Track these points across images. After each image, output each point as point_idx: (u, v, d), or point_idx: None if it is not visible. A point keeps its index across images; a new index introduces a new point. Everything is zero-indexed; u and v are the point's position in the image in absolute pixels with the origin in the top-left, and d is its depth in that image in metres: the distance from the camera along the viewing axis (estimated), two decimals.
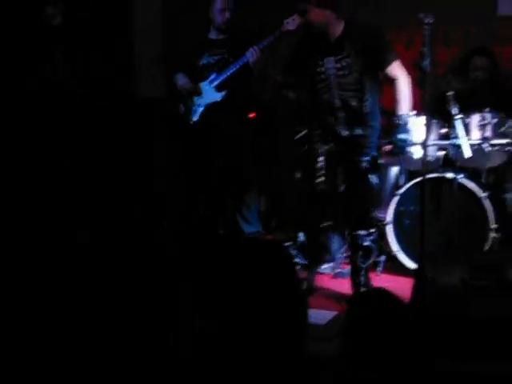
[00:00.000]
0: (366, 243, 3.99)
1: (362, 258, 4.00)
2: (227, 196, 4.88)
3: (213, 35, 4.90)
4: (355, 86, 3.77)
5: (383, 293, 2.28)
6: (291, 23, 4.46)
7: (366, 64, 3.76)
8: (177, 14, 5.79)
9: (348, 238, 4.12)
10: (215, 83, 4.82)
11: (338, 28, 3.82)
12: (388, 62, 3.84)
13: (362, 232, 3.96)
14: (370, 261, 4.08)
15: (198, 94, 4.85)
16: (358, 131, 3.84)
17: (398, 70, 3.87)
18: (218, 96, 4.83)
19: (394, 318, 2.15)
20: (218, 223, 4.95)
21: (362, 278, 4.03)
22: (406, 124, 3.92)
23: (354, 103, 3.80)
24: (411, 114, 4.11)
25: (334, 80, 3.78)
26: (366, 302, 2.25)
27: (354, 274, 4.05)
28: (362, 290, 4.00)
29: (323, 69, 3.81)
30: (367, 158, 3.87)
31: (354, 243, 4.01)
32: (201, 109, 4.86)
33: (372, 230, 4.05)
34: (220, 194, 4.85)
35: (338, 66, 3.76)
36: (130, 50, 5.26)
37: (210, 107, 4.86)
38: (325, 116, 3.91)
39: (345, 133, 3.87)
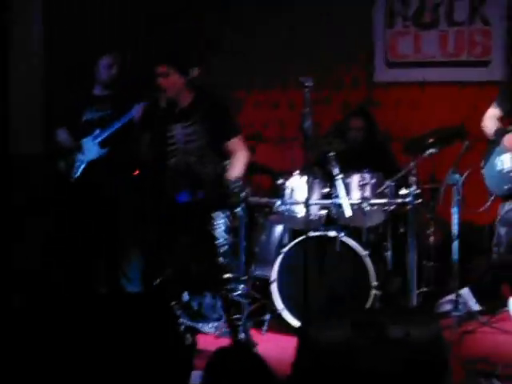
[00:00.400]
0: (235, 299, 4.01)
1: (235, 315, 4.01)
2: (105, 254, 4.76)
3: (97, 91, 4.86)
4: (200, 152, 3.94)
5: (242, 349, 2.26)
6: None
7: (211, 134, 3.96)
8: (60, 68, 5.72)
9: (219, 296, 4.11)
10: (99, 139, 4.75)
11: (189, 96, 4.02)
12: (228, 137, 4.04)
13: (230, 288, 4.00)
14: (244, 317, 4.07)
15: (80, 150, 4.75)
16: (200, 194, 3.96)
17: (237, 146, 4.07)
18: (101, 152, 4.75)
19: (251, 375, 2.13)
20: (99, 282, 4.81)
21: (241, 336, 4.02)
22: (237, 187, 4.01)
23: (197, 168, 3.96)
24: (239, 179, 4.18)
25: (181, 146, 3.92)
26: (224, 359, 2.22)
27: (232, 332, 4.04)
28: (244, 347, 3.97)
29: (172, 134, 3.97)
30: (218, 222, 3.98)
31: (225, 301, 3.99)
32: (83, 165, 4.76)
33: (241, 286, 4.06)
34: (98, 252, 4.74)
35: (186, 132, 3.94)
36: (5, 103, 5.08)
37: (93, 164, 4.77)
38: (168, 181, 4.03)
39: (185, 197, 3.97)
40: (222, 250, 3.98)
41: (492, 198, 4.03)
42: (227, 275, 4.00)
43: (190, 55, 4.59)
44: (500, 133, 3.74)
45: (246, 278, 4.39)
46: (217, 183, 4.02)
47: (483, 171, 3.87)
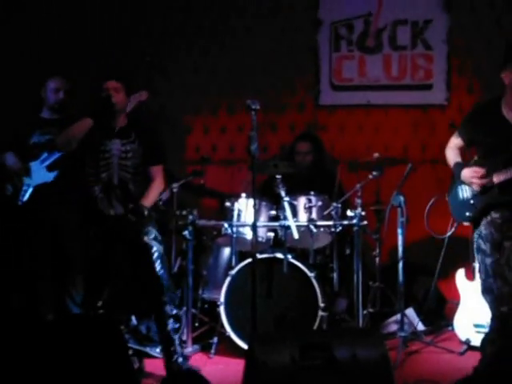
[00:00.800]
0: (173, 311, 4.06)
1: (173, 328, 4.04)
2: (52, 279, 4.70)
3: (45, 114, 4.83)
4: (134, 169, 4.06)
5: (193, 375, 2.27)
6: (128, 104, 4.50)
7: (146, 155, 4.10)
8: (6, 91, 5.66)
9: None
10: (46, 163, 4.70)
11: (124, 119, 4.16)
12: (153, 163, 4.15)
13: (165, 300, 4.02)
14: (177, 338, 4.11)
15: (28, 174, 4.70)
16: (132, 209, 4.02)
17: (157, 174, 4.17)
18: (48, 176, 4.70)
19: None
20: (46, 307, 4.73)
21: (178, 349, 4.03)
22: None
23: (130, 185, 4.05)
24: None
25: (117, 161, 4.03)
26: None
27: (168, 346, 4.03)
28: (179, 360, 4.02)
29: (108, 148, 4.04)
30: (151, 236, 4.02)
31: (161, 314, 4.02)
32: (30, 189, 4.70)
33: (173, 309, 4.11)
34: (40, 277, 4.67)
35: (123, 149, 4.04)
36: None
37: (41, 188, 4.71)
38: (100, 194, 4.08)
39: (118, 210, 4.01)
40: (158, 262, 4.00)
41: (455, 224, 4.18)
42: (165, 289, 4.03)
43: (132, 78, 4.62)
44: (458, 167, 3.91)
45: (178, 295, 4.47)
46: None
47: (448, 199, 4.03)
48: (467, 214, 3.87)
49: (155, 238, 4.04)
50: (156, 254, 4.01)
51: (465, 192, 3.90)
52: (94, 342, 3.10)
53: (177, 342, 4.05)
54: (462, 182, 3.90)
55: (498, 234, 3.73)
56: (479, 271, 3.87)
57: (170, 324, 4.02)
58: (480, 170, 3.79)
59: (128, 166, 4.04)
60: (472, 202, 3.86)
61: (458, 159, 4.01)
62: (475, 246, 3.85)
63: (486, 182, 3.77)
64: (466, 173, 3.85)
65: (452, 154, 4.05)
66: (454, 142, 4.05)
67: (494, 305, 3.74)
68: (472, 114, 4.00)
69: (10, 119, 5.14)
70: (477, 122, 3.89)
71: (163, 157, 4.24)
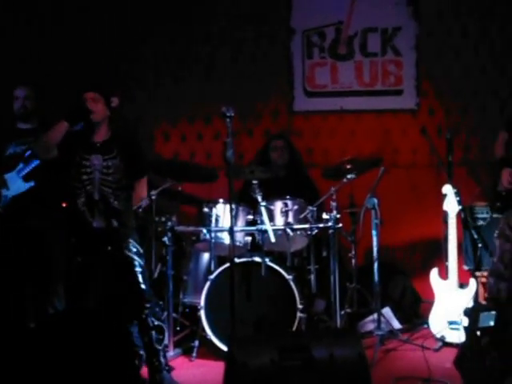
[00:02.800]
0: (156, 323, 4.05)
1: (157, 339, 4.05)
2: (33, 287, 4.73)
3: (20, 125, 4.85)
4: (115, 184, 4.06)
5: None
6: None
7: (128, 169, 4.11)
8: None
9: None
10: (22, 173, 4.72)
11: (107, 132, 4.14)
12: (136, 177, 4.17)
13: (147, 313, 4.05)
14: (165, 341, 4.16)
15: (4, 185, 4.72)
16: (114, 223, 4.05)
17: (139, 186, 4.20)
18: (25, 186, 4.72)
19: None
20: (28, 315, 4.76)
21: (162, 360, 4.05)
22: None
23: (111, 199, 4.06)
24: None
25: (98, 176, 4.04)
26: None
27: (151, 358, 4.05)
28: (163, 371, 4.04)
29: (89, 163, 4.05)
30: (130, 246, 4.05)
31: (144, 326, 4.05)
32: (7, 200, 4.72)
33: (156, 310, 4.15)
34: (25, 285, 4.70)
35: (105, 164, 4.05)
36: None
37: (18, 198, 4.73)
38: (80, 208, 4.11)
39: (100, 224, 4.05)
40: (140, 275, 4.04)
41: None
42: (147, 301, 4.06)
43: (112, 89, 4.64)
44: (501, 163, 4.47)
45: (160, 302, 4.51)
46: (128, 214, 4.15)
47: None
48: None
49: (137, 252, 4.08)
50: (138, 268, 4.04)
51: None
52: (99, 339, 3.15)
53: (161, 353, 4.06)
54: None
55: None
56: (494, 255, 4.01)
57: (154, 335, 4.04)
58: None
59: (109, 181, 4.04)
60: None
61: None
62: (499, 230, 4.03)
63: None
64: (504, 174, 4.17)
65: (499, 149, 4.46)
66: (502, 137, 4.33)
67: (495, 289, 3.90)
68: None
69: None
70: None
71: (145, 170, 4.25)
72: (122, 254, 4.01)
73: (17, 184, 4.72)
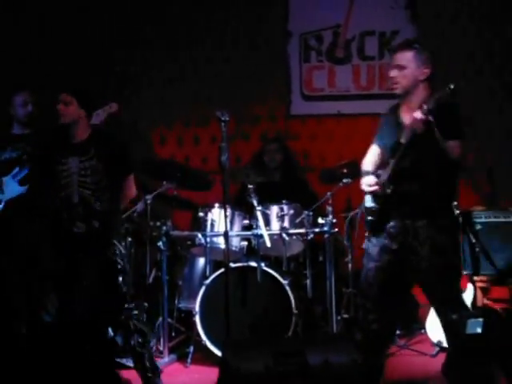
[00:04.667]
0: (138, 326, 4.02)
1: (139, 343, 4.01)
2: (26, 291, 4.70)
3: (16, 130, 4.84)
4: (95, 186, 4.01)
5: None
6: (97, 117, 4.53)
7: (106, 170, 4.03)
8: None
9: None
10: (18, 177, 4.72)
11: (86, 132, 4.08)
12: (122, 176, 4.11)
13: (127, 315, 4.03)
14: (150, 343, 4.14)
15: (0, 189, 4.72)
16: (95, 225, 4.00)
17: (126, 185, 4.13)
18: (20, 190, 4.72)
19: None
20: (20, 319, 4.73)
21: (147, 364, 4.01)
22: None
23: (91, 201, 4.01)
24: None
25: (76, 178, 4.00)
26: None
27: (138, 362, 4.01)
28: (149, 375, 4.00)
29: (66, 167, 4.01)
30: (114, 250, 4.01)
31: (126, 329, 4.02)
32: (1, 205, 4.72)
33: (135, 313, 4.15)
34: (15, 290, 4.68)
35: (82, 166, 4.00)
36: None
37: (13, 202, 4.73)
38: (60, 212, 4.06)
39: (81, 228, 4.00)
40: (120, 278, 4.02)
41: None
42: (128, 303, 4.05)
43: (96, 90, 4.61)
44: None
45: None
46: (111, 215, 4.09)
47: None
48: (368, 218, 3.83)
49: (119, 254, 4.04)
50: (119, 271, 4.01)
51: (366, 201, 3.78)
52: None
53: (146, 356, 4.01)
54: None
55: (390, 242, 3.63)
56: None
57: (136, 338, 3.99)
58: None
59: (88, 182, 3.99)
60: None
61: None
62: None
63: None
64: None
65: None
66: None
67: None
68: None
69: None
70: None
71: (130, 168, 4.16)
72: (104, 256, 3.98)
73: (12, 188, 4.72)
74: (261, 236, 4.67)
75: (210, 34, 6.12)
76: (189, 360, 4.60)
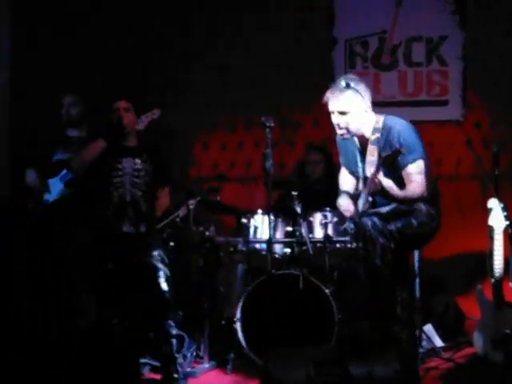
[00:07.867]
0: (176, 331, 4.10)
1: (177, 347, 4.12)
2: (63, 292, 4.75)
3: (70, 132, 4.97)
4: (145, 187, 4.16)
5: None
6: (140, 123, 4.55)
7: (154, 175, 4.22)
8: (25, 109, 5.78)
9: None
10: (65, 179, 4.80)
11: (134, 139, 4.28)
12: (161, 184, 4.30)
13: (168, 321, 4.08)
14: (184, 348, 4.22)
15: (47, 189, 4.81)
16: (143, 228, 4.11)
17: (163, 195, 4.31)
18: (66, 192, 4.79)
19: None
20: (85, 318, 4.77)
21: (179, 369, 4.07)
22: None
23: (141, 203, 4.14)
24: None
25: (129, 178, 4.13)
26: None
27: (168, 366, 4.06)
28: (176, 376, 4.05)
29: (121, 166, 4.15)
30: (155, 254, 4.09)
31: (165, 334, 4.05)
32: (49, 204, 4.80)
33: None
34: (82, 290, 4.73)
35: (135, 167, 4.15)
36: None
37: (59, 203, 4.80)
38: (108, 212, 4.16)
39: (130, 229, 4.09)
40: (164, 284, 4.04)
41: None
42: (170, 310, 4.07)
43: (144, 97, 4.70)
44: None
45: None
46: (154, 221, 4.24)
47: None
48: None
49: (162, 260, 4.07)
50: (162, 277, 4.03)
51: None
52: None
53: (178, 361, 4.09)
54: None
55: None
56: None
57: (174, 344, 4.06)
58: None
59: (140, 183, 4.11)
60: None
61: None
62: None
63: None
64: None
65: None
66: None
67: None
68: None
69: (32, 137, 5.28)
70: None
71: (169, 179, 4.36)
72: (148, 261, 4.00)
73: (58, 189, 4.81)
74: (304, 243, 4.63)
75: (254, 39, 6.10)
76: (229, 367, 4.55)
